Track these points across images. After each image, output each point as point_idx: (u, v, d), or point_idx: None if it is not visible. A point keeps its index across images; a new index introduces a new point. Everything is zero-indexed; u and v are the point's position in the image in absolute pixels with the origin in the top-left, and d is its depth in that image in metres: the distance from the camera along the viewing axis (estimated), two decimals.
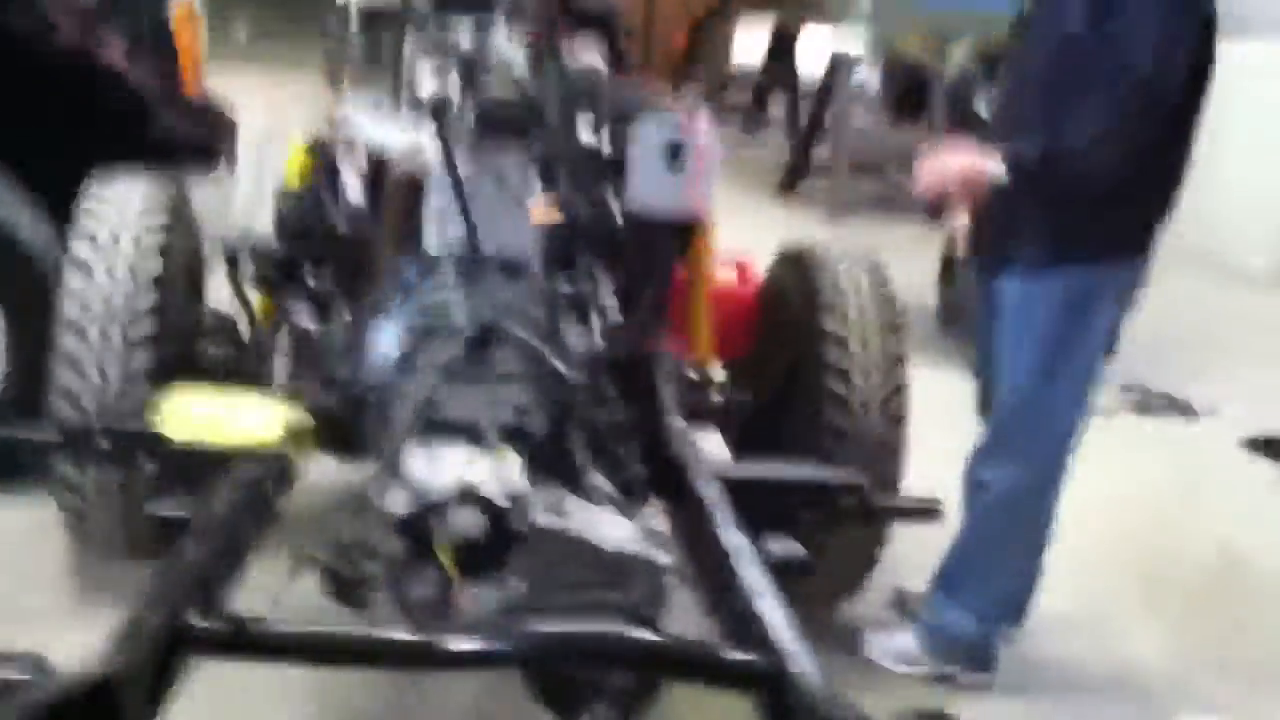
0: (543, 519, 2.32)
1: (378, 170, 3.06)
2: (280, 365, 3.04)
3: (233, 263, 3.23)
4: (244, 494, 2.46)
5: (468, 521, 2.25)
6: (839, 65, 7.70)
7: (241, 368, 3.37)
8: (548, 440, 2.51)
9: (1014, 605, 3.48)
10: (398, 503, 2.30)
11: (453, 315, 2.64)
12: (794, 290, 3.57)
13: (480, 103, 2.81)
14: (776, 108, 10.12)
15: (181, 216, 3.41)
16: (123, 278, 3.16)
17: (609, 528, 2.37)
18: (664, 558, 2.34)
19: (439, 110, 2.85)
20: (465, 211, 2.77)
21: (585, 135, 2.99)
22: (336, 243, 3.14)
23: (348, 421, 2.77)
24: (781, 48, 9.56)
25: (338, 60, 3.22)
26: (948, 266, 6.14)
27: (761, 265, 3.88)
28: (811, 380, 3.39)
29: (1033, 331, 3.22)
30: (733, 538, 2.43)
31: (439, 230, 2.86)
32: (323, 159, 3.20)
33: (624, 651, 2.12)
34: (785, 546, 2.55)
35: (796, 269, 3.60)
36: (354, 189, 3.08)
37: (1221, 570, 4.23)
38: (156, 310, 3.15)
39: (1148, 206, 3.20)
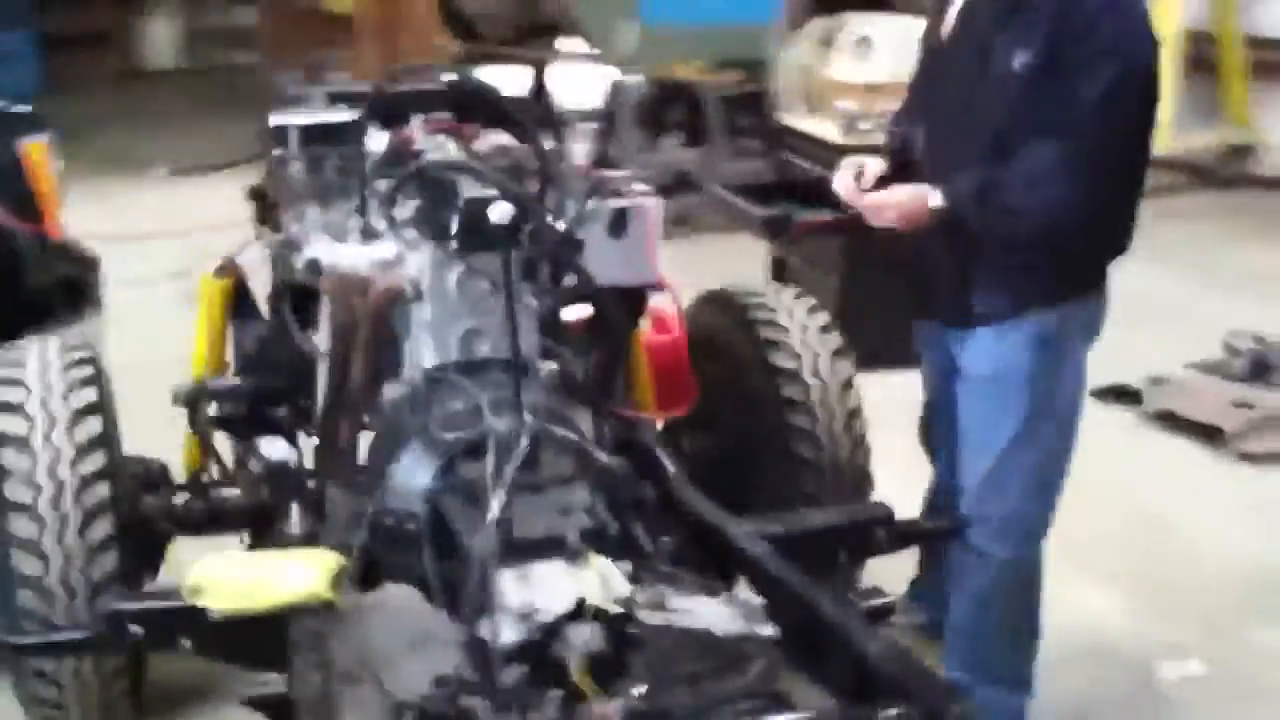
0: (652, 618, 2.31)
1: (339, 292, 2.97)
2: (294, 509, 2.90)
3: (193, 408, 3.09)
4: (323, 651, 2.37)
5: (588, 636, 2.23)
6: (619, 92, 7.76)
7: (208, 516, 3.26)
8: (618, 535, 2.49)
9: (1033, 661, 3.35)
10: (508, 630, 2.26)
11: (485, 426, 2.57)
12: (730, 332, 3.61)
13: (466, 205, 2.75)
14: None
15: (99, 368, 3.25)
16: (64, 444, 2.99)
17: (710, 612, 2.38)
18: (768, 630, 2.37)
19: (429, 214, 2.80)
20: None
21: (560, 222, 2.97)
22: (307, 372, 3.04)
23: (381, 555, 2.68)
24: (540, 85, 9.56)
25: (281, 182, 3.10)
26: (779, 266, 6.27)
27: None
28: (772, 419, 3.44)
29: (1014, 385, 3.11)
30: (825, 600, 2.47)
31: (436, 341, 2.80)
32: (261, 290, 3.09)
33: None
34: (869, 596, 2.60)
35: (726, 311, 3.65)
36: (318, 314, 2.99)
37: (1134, 521, 4.49)
38: (107, 473, 3.00)
39: (1105, 245, 3.13)
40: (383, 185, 2.93)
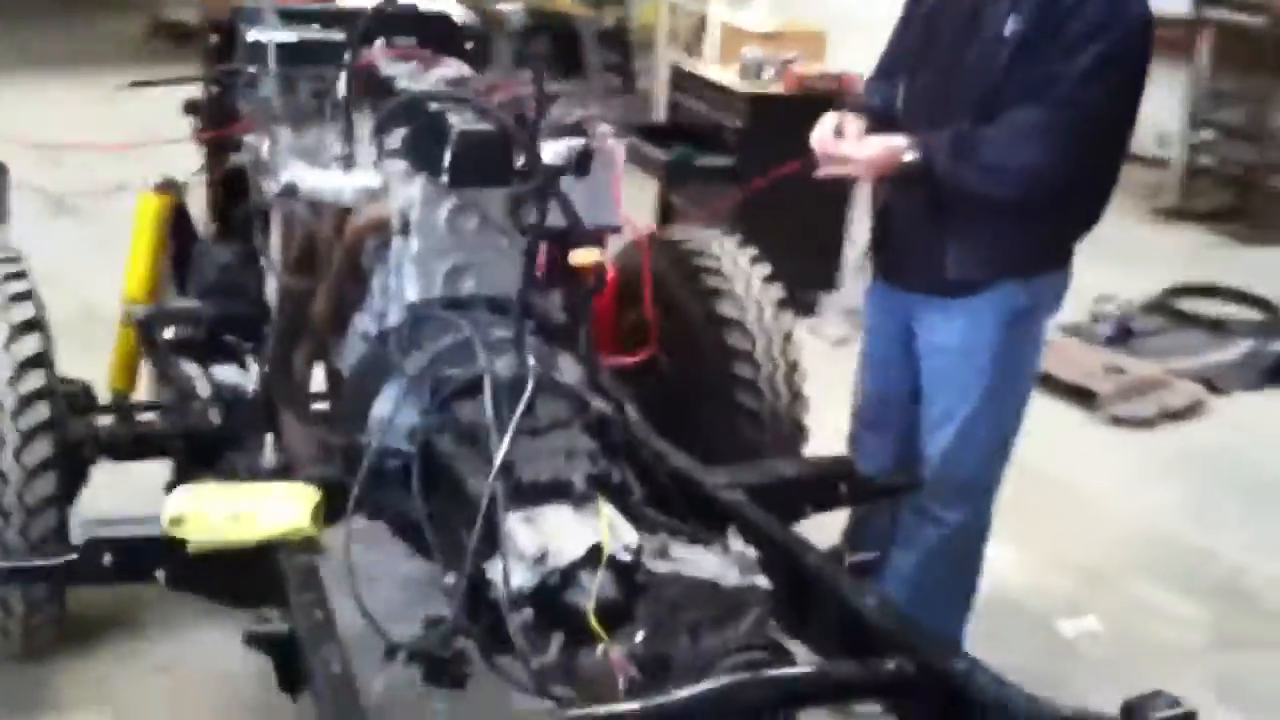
0: (659, 566, 2.34)
1: (313, 220, 2.90)
2: (267, 440, 2.83)
3: (148, 331, 2.98)
4: (319, 589, 2.35)
5: (604, 582, 2.24)
6: (500, 22, 7.64)
7: (137, 441, 3.15)
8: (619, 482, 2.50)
9: (966, 622, 3.42)
10: (519, 574, 2.26)
11: (481, 365, 2.54)
12: (672, 279, 3.61)
13: (461, 138, 2.69)
14: None
15: (29, 281, 3.11)
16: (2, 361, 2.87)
17: (709, 562, 2.42)
18: (765, 583, 2.41)
19: (420, 145, 2.73)
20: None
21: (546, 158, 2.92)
22: (266, 300, 2.96)
23: (356, 490, 2.64)
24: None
25: (258, 103, 2.98)
26: (666, 210, 6.30)
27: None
28: (715, 368, 3.47)
29: (981, 359, 3.14)
30: (811, 552, 2.52)
31: (422, 275, 2.75)
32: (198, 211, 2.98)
33: (793, 689, 2.20)
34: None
35: (668, 257, 3.65)
36: (286, 241, 2.91)
37: (1021, 480, 4.65)
38: (45, 392, 2.89)
39: (1078, 217, 3.15)
40: (366, 111, 2.86)
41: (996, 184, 3.04)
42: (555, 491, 2.39)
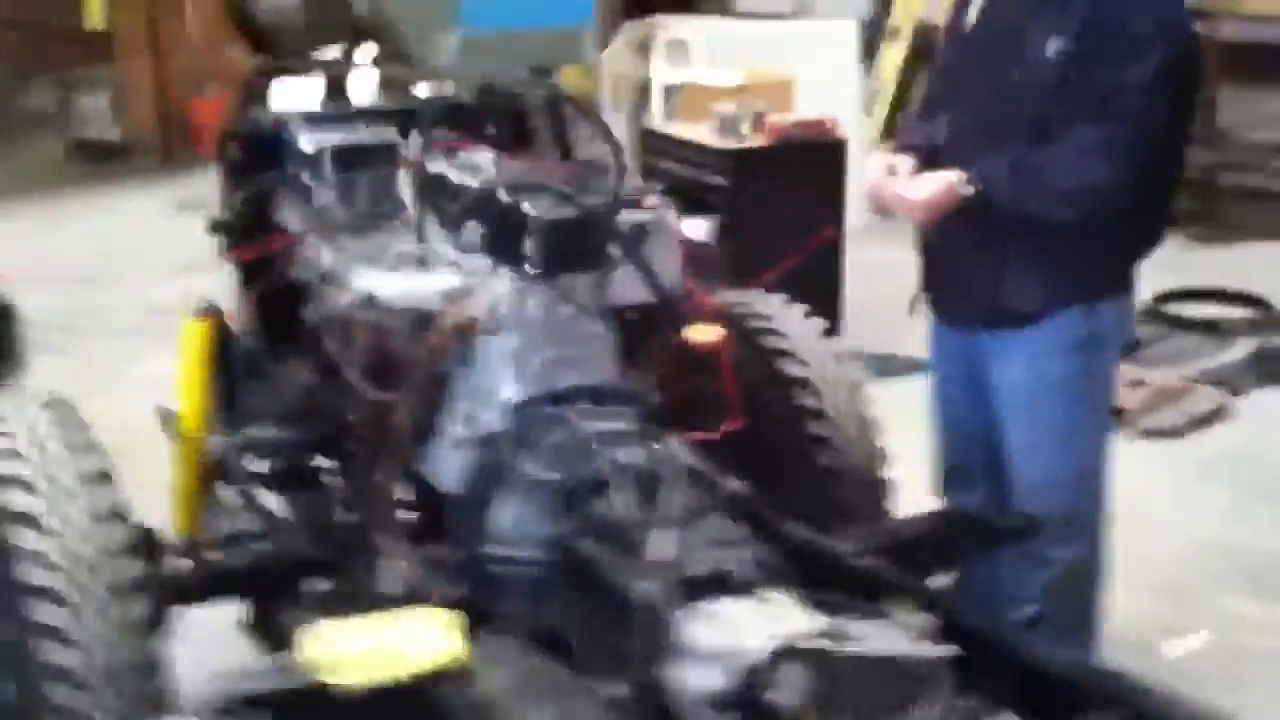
0: (844, 648, 2.22)
1: (392, 328, 2.77)
2: (381, 565, 2.66)
3: (228, 466, 2.82)
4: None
5: (798, 676, 2.13)
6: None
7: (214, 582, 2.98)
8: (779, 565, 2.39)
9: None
10: (705, 675, 2.14)
11: (605, 459, 2.43)
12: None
13: (547, 226, 2.60)
14: None
15: (84, 427, 2.95)
16: (81, 517, 2.70)
17: (887, 636, 2.31)
18: (945, 650, 2.31)
19: (502, 238, 2.63)
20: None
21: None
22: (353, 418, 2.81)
23: (484, 606, 2.51)
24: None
25: (314, 212, 2.86)
26: None
27: None
28: (787, 430, 3.37)
29: (1051, 390, 3.11)
30: (974, 613, 2.43)
31: (520, 373, 2.63)
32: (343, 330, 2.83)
33: None
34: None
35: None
36: (365, 353, 2.78)
37: None
38: (128, 545, 2.72)
39: (1141, 236, 3.13)
40: (431, 208, 2.75)
41: (1061, 206, 2.99)
42: (719, 584, 2.27)
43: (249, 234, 3.30)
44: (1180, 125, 3.09)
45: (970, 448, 3.38)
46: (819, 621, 2.24)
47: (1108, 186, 2.95)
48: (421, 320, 2.70)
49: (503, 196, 2.67)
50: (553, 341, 2.65)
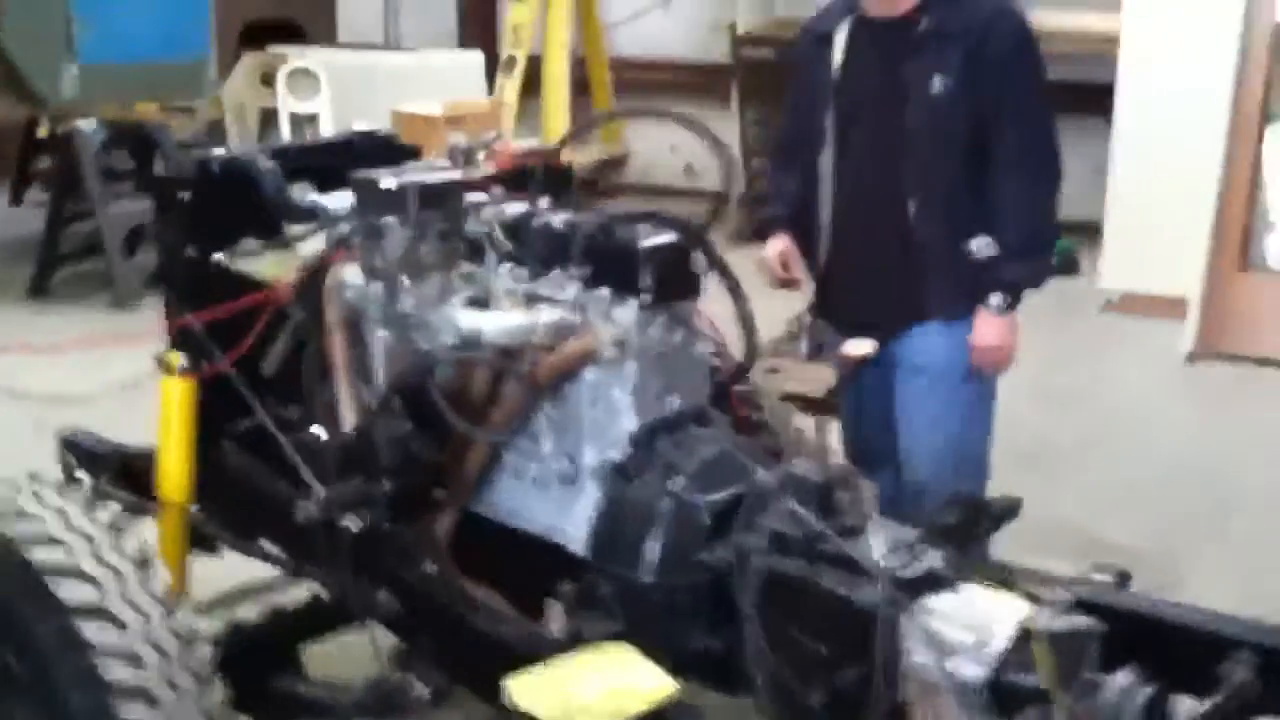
0: (1067, 626, 2.35)
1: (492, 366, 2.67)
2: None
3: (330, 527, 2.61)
4: None
5: (1044, 656, 2.26)
6: (78, 140, 7.00)
7: None
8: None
9: None
10: (966, 668, 2.23)
11: (769, 477, 2.48)
12: None
13: (653, 254, 2.59)
14: None
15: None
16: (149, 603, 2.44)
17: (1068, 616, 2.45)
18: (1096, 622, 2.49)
19: (609, 269, 2.60)
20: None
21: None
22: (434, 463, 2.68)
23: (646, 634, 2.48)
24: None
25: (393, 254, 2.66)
26: None
27: None
28: None
29: (962, 374, 3.43)
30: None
31: (639, 401, 2.59)
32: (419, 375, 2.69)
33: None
34: None
35: None
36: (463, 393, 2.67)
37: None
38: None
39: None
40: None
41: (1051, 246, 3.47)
42: (933, 582, 2.37)
43: (197, 288, 3.06)
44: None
45: (877, 440, 3.64)
46: (1025, 605, 2.38)
47: (1056, 202, 3.39)
48: (524, 356, 2.63)
49: (615, 229, 2.65)
50: (664, 368, 2.65)
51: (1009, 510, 3.32)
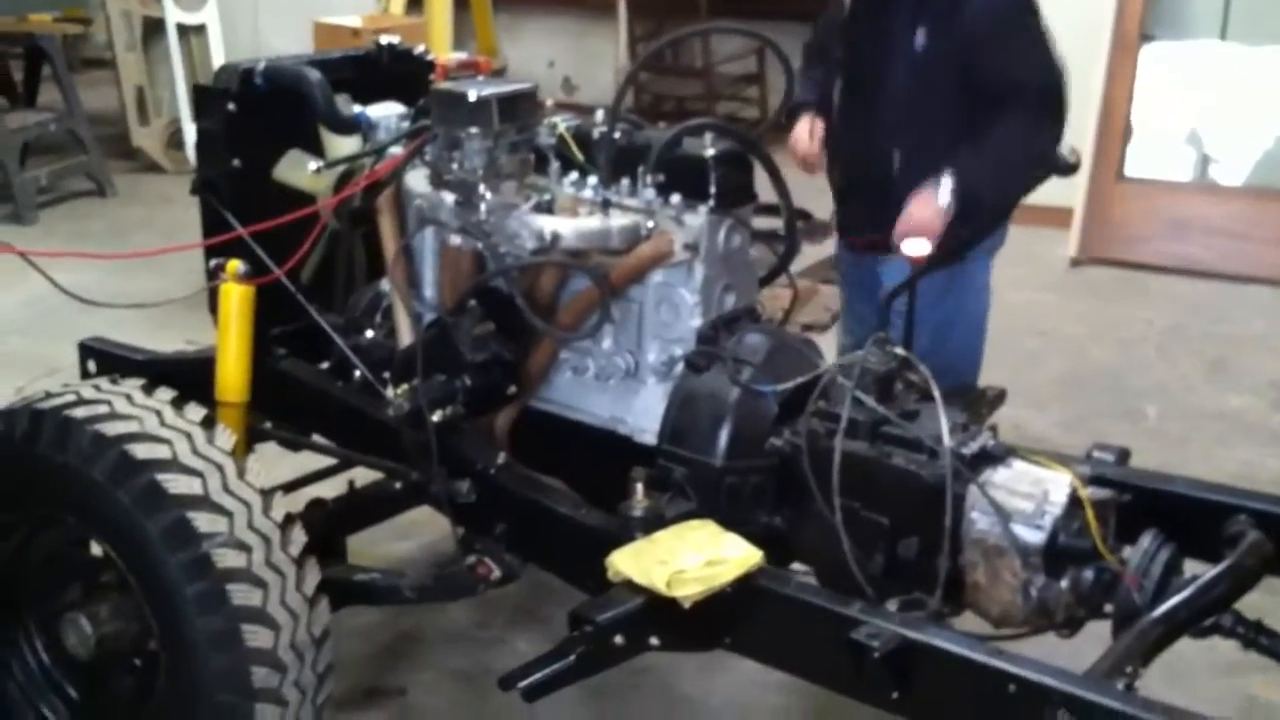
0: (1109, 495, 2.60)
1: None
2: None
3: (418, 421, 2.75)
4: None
5: (1097, 520, 2.52)
6: None
7: None
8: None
9: None
10: (1027, 533, 2.48)
11: (824, 365, 2.69)
12: None
13: (718, 162, 2.75)
14: None
15: None
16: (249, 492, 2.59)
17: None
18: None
19: (679, 177, 2.75)
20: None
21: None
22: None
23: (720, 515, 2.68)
24: None
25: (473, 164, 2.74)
26: None
27: None
28: None
29: (926, 300, 3.34)
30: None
31: (705, 300, 2.77)
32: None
33: None
34: None
35: None
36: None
37: None
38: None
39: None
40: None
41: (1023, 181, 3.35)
42: (987, 458, 2.59)
43: (242, 195, 3.13)
44: (1048, 44, 3.54)
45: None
46: (1069, 476, 2.62)
47: (1047, 145, 3.36)
48: (595, 260, 2.78)
49: (685, 141, 2.80)
50: (726, 270, 2.83)
51: (999, 397, 3.62)
